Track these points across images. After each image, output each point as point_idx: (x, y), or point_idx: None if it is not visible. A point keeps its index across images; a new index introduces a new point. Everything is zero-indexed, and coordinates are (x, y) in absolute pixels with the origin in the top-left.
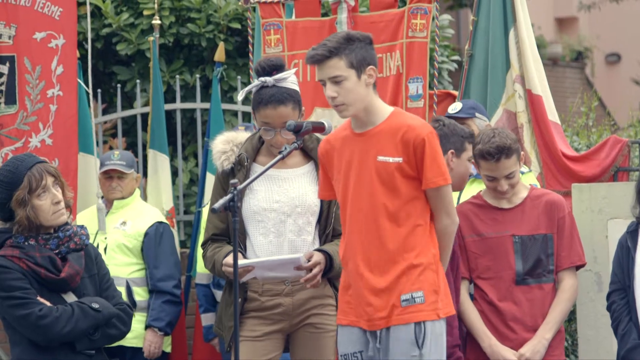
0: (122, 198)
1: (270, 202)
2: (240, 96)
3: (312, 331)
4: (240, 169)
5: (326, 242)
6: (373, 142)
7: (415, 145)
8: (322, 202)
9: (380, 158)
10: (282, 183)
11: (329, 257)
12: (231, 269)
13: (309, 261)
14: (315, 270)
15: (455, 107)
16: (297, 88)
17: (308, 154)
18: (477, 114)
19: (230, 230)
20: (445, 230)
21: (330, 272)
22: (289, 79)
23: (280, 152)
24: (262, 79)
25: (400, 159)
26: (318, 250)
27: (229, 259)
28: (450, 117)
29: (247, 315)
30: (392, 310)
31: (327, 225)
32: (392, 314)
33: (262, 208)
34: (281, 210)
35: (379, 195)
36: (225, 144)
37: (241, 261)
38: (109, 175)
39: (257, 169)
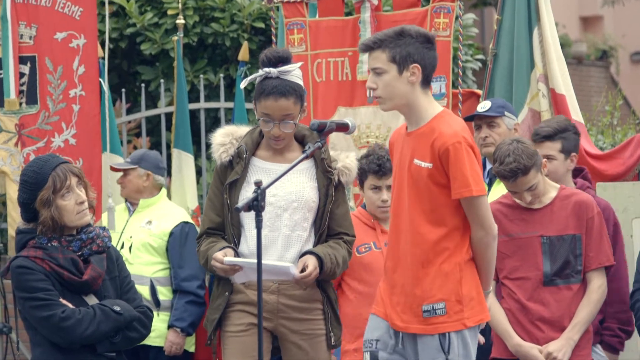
0: (134, 196)
1: (267, 195)
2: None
3: (302, 339)
4: (238, 161)
5: (320, 240)
6: (413, 144)
7: (440, 154)
8: (319, 199)
9: (416, 162)
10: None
11: (320, 261)
12: (219, 265)
13: (303, 271)
14: (310, 277)
15: (484, 106)
16: (301, 82)
17: None
18: (506, 113)
19: (227, 224)
20: (480, 242)
21: (319, 275)
22: (293, 72)
23: (303, 151)
24: (266, 69)
25: (430, 165)
26: (310, 252)
27: (219, 254)
28: (479, 115)
29: (232, 309)
30: (414, 316)
31: (322, 223)
32: (414, 320)
33: None
34: (277, 205)
35: (411, 198)
36: (225, 137)
37: (229, 258)
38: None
39: (256, 162)
